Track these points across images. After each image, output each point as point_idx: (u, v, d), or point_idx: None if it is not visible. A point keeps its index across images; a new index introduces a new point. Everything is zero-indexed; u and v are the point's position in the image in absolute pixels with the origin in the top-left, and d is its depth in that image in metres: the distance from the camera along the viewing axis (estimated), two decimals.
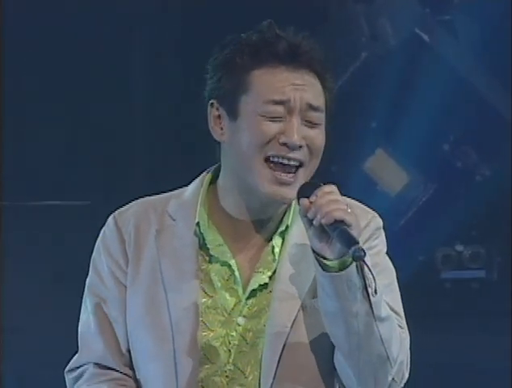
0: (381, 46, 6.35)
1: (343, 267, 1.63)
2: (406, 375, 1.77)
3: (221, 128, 1.80)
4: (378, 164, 6.59)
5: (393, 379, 1.70)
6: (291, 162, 1.72)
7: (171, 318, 1.73)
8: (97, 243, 1.88)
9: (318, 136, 1.77)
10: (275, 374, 1.70)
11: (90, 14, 5.64)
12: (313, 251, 1.65)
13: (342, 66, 6.44)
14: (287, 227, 1.79)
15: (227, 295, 1.73)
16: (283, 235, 1.78)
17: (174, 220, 1.79)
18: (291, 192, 1.71)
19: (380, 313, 1.65)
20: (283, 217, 1.79)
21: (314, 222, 1.64)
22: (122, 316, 1.80)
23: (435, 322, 5.55)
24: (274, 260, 1.75)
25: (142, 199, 1.90)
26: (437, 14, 6.37)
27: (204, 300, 1.74)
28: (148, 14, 5.84)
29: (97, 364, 1.81)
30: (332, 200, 1.68)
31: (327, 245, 1.64)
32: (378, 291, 1.65)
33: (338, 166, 6.18)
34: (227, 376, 1.72)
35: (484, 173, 6.29)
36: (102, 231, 1.88)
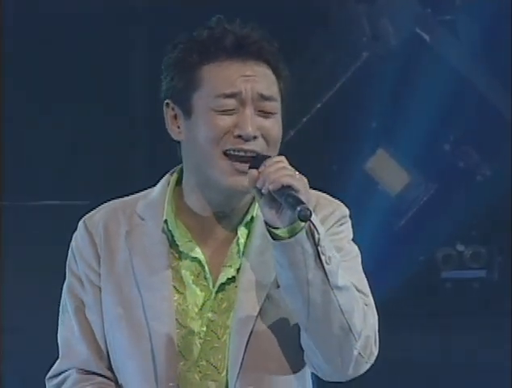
0: (382, 46, 6.35)
1: (293, 234, 1.64)
2: (375, 352, 1.76)
3: (178, 127, 1.84)
4: (379, 164, 6.58)
5: (360, 354, 1.69)
6: (248, 154, 1.73)
7: (147, 317, 1.75)
8: (70, 249, 1.92)
9: (273, 125, 1.78)
10: (242, 363, 1.71)
11: (91, 13, 5.64)
12: (265, 223, 1.67)
13: (343, 66, 6.44)
14: (252, 218, 1.80)
15: (197, 290, 1.75)
16: (248, 226, 1.79)
17: (142, 219, 1.82)
18: None
19: (337, 282, 1.65)
20: (248, 209, 1.81)
21: (263, 190, 1.65)
22: (100, 318, 1.81)
23: (436, 321, 5.55)
24: (238, 252, 1.76)
25: (110, 202, 1.93)
26: (438, 15, 6.37)
27: (176, 297, 1.75)
28: (149, 14, 5.84)
29: (80, 370, 1.82)
30: (280, 168, 1.68)
31: (277, 214, 1.65)
32: (333, 260, 1.66)
33: (339, 166, 6.18)
34: (200, 371, 1.73)
35: (485, 173, 6.28)
36: (73, 237, 1.92)
